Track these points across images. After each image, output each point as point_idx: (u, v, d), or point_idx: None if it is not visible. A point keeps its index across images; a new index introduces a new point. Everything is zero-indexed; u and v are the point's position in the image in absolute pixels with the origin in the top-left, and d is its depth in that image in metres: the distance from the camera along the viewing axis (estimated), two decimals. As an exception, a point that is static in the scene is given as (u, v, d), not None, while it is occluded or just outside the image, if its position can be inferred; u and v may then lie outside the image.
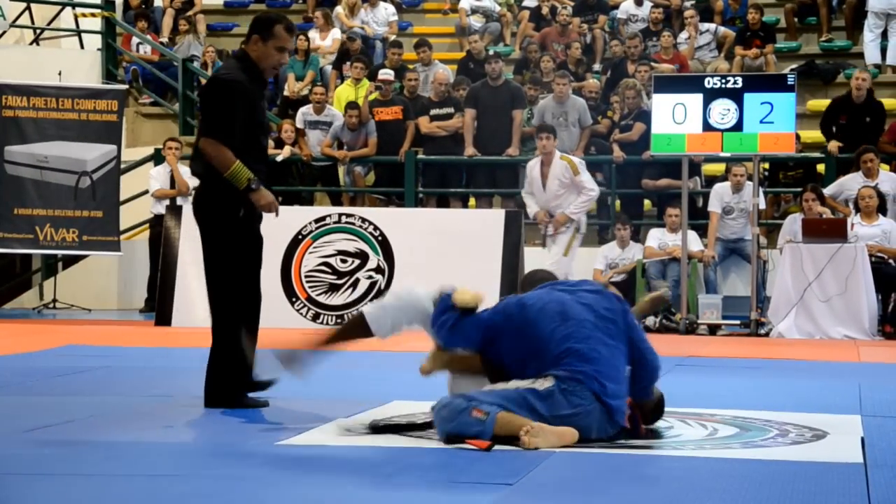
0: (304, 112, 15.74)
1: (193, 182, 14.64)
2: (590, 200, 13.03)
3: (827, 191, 13.26)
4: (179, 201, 14.21)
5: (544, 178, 12.83)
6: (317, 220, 12.35)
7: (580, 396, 5.31)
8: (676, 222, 13.43)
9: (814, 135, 15.33)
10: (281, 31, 6.54)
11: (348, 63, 16.69)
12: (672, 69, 16.04)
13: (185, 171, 14.71)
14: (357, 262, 12.22)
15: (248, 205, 6.50)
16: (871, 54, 16.87)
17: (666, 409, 6.45)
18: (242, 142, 6.48)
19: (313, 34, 18.03)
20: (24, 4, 19.20)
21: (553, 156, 12.82)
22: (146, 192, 14.93)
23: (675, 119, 12.32)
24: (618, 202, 15.17)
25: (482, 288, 6.00)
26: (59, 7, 19.72)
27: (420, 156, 15.33)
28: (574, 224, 12.79)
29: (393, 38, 17.76)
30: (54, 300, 14.91)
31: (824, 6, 17.98)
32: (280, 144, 15.51)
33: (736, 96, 12.20)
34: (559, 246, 12.69)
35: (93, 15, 19.80)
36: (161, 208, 14.06)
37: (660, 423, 5.99)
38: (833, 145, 14.40)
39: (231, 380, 6.52)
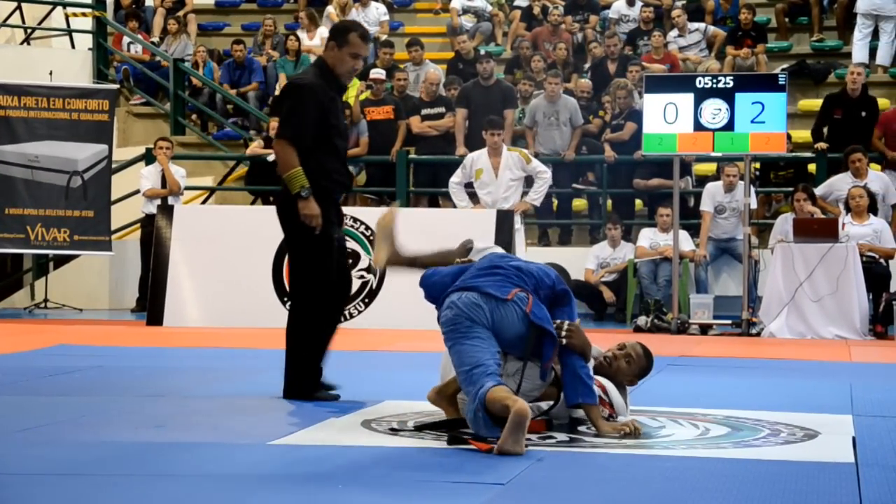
0: None
1: (184, 182, 14.80)
2: (546, 184, 13.41)
3: (816, 191, 13.27)
4: (171, 201, 14.20)
5: (495, 169, 13.04)
6: (308, 220, 12.33)
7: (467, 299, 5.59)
8: (668, 222, 13.44)
9: (805, 134, 15.35)
10: (355, 39, 6.87)
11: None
12: (663, 69, 16.06)
13: (176, 170, 14.70)
14: (348, 261, 12.20)
15: (322, 208, 6.76)
16: (860, 54, 16.89)
17: (658, 408, 6.46)
18: (315, 142, 6.78)
19: (301, 34, 18.04)
20: (14, 3, 19.17)
21: (501, 149, 13.11)
22: (137, 191, 14.91)
23: (666, 119, 12.32)
24: (609, 202, 15.18)
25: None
26: (49, 6, 19.68)
27: (411, 155, 15.33)
28: (519, 221, 13.02)
29: (384, 37, 17.75)
30: (45, 300, 14.88)
31: (816, 6, 18.01)
32: (269, 142, 15.50)
33: (727, 96, 12.20)
34: (519, 246, 12.86)
35: (84, 14, 19.78)
36: (152, 208, 14.04)
37: (651, 423, 6.00)
38: (821, 144, 14.44)
39: (307, 374, 6.83)
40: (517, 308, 5.55)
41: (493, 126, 13.30)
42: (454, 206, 15.14)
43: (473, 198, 13.74)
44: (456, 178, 13.58)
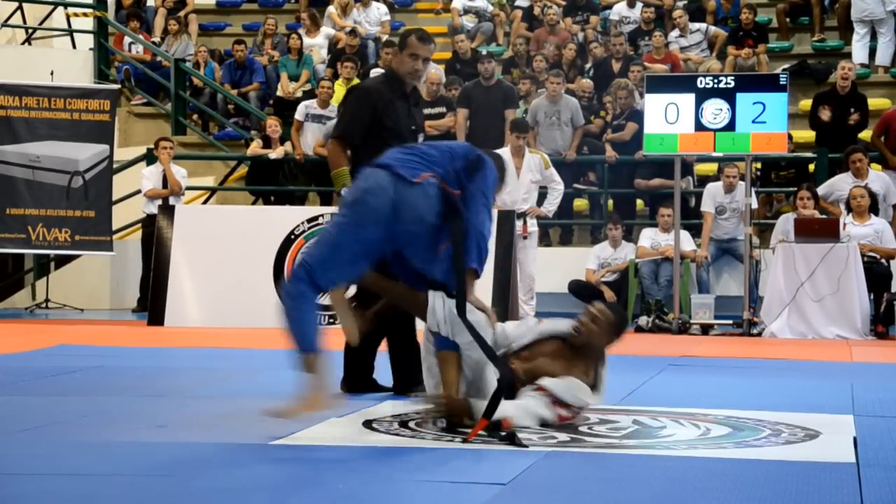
0: (308, 105, 15.66)
1: (185, 182, 14.79)
2: (559, 195, 13.35)
3: (818, 191, 13.27)
4: (172, 201, 14.20)
5: (518, 170, 13.08)
6: (309, 220, 12.33)
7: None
8: (669, 222, 13.44)
9: (806, 134, 15.35)
10: (413, 40, 7.11)
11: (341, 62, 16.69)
12: (664, 69, 16.06)
13: (177, 170, 14.70)
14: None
15: None
16: (860, 55, 16.91)
17: (659, 408, 6.45)
18: (367, 143, 6.91)
19: (302, 34, 18.04)
20: (15, 4, 19.18)
21: (524, 150, 13.10)
22: (138, 191, 14.91)
23: (667, 119, 12.32)
24: (610, 202, 15.18)
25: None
26: (50, 6, 19.69)
27: (413, 155, 15.29)
28: (534, 224, 13.13)
29: (385, 37, 17.75)
30: (46, 300, 14.89)
31: (817, 6, 18.02)
32: (268, 142, 15.50)
33: (728, 96, 12.20)
34: (532, 251, 12.88)
35: (85, 14, 19.79)
36: (153, 208, 14.04)
37: (652, 423, 6.00)
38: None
39: (358, 367, 7.18)
40: (430, 188, 5.66)
41: (520, 129, 13.16)
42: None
43: None
44: None
